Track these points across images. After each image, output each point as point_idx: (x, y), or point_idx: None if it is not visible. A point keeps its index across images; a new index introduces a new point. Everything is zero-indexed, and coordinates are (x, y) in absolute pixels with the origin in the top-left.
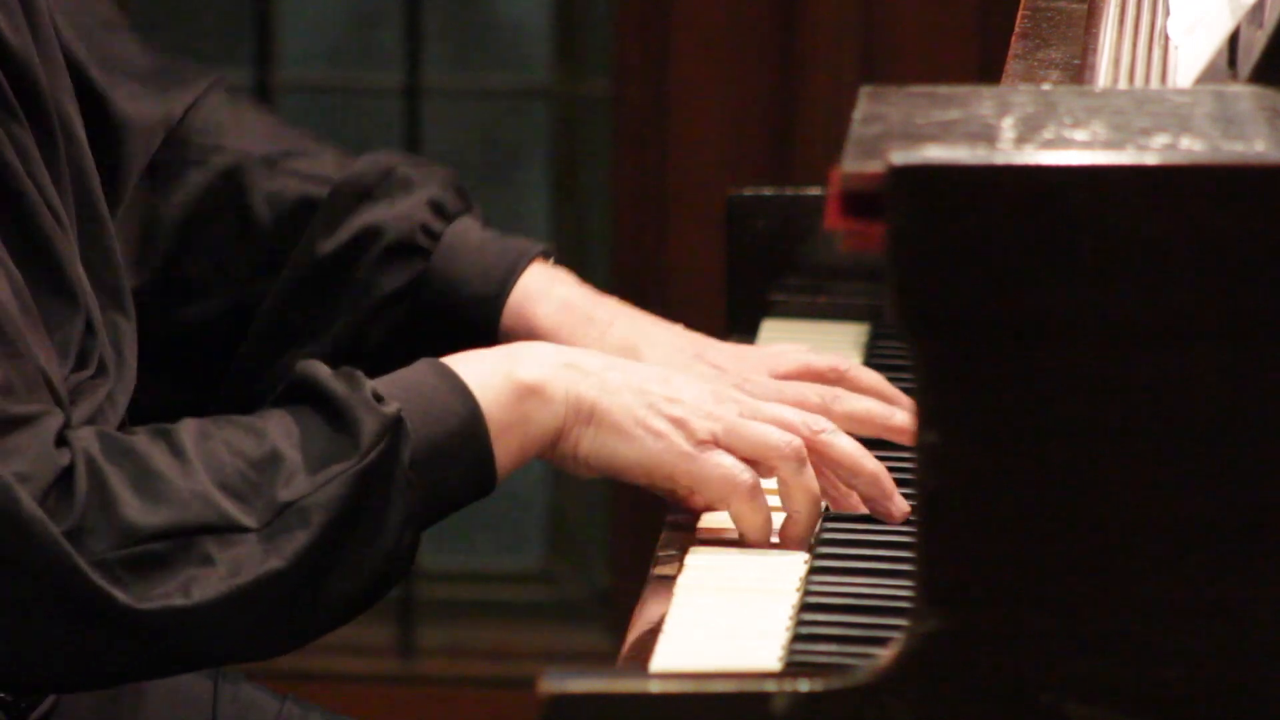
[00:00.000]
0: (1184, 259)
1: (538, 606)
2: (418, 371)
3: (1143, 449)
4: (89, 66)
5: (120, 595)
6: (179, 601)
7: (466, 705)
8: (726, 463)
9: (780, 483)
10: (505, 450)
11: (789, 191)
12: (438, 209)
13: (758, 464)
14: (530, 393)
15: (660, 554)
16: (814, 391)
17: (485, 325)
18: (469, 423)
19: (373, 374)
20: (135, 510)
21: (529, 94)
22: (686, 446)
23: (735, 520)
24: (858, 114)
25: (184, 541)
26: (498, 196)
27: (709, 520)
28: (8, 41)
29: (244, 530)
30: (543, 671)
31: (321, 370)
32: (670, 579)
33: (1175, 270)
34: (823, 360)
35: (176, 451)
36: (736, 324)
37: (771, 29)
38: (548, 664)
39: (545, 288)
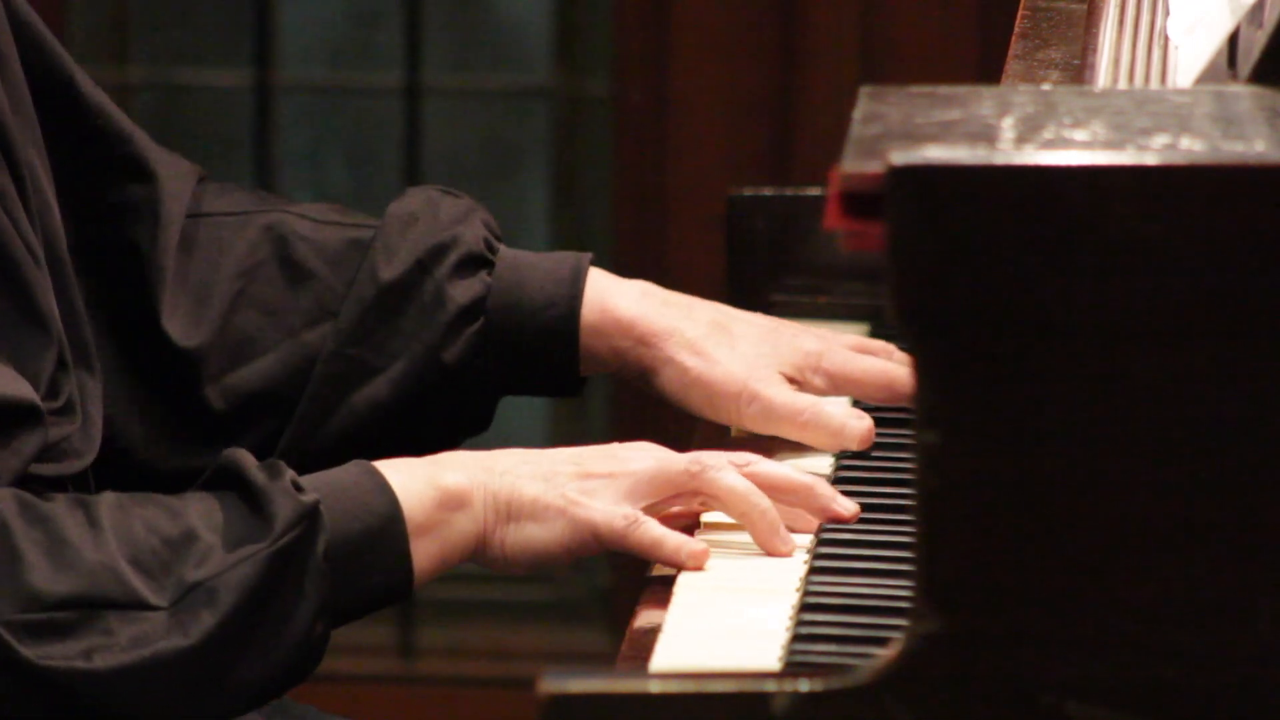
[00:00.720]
0: (1184, 259)
1: (538, 606)
2: (344, 470)
3: (1143, 449)
4: (109, 110)
5: (22, 650)
6: (80, 664)
7: (466, 705)
8: (616, 511)
9: (712, 500)
10: (424, 553)
11: (789, 191)
12: (490, 228)
13: (681, 497)
14: (452, 499)
15: None
16: (893, 366)
17: (564, 327)
18: (388, 521)
19: (456, 401)
20: (41, 576)
21: (529, 94)
22: (588, 514)
23: (636, 553)
24: (858, 114)
25: (87, 613)
26: (498, 197)
27: (709, 520)
28: None
29: (150, 608)
30: (543, 671)
31: (245, 458)
32: (670, 579)
33: (1175, 270)
34: (876, 342)
35: (92, 522)
36: None
37: (771, 29)
38: (548, 664)
39: (615, 282)
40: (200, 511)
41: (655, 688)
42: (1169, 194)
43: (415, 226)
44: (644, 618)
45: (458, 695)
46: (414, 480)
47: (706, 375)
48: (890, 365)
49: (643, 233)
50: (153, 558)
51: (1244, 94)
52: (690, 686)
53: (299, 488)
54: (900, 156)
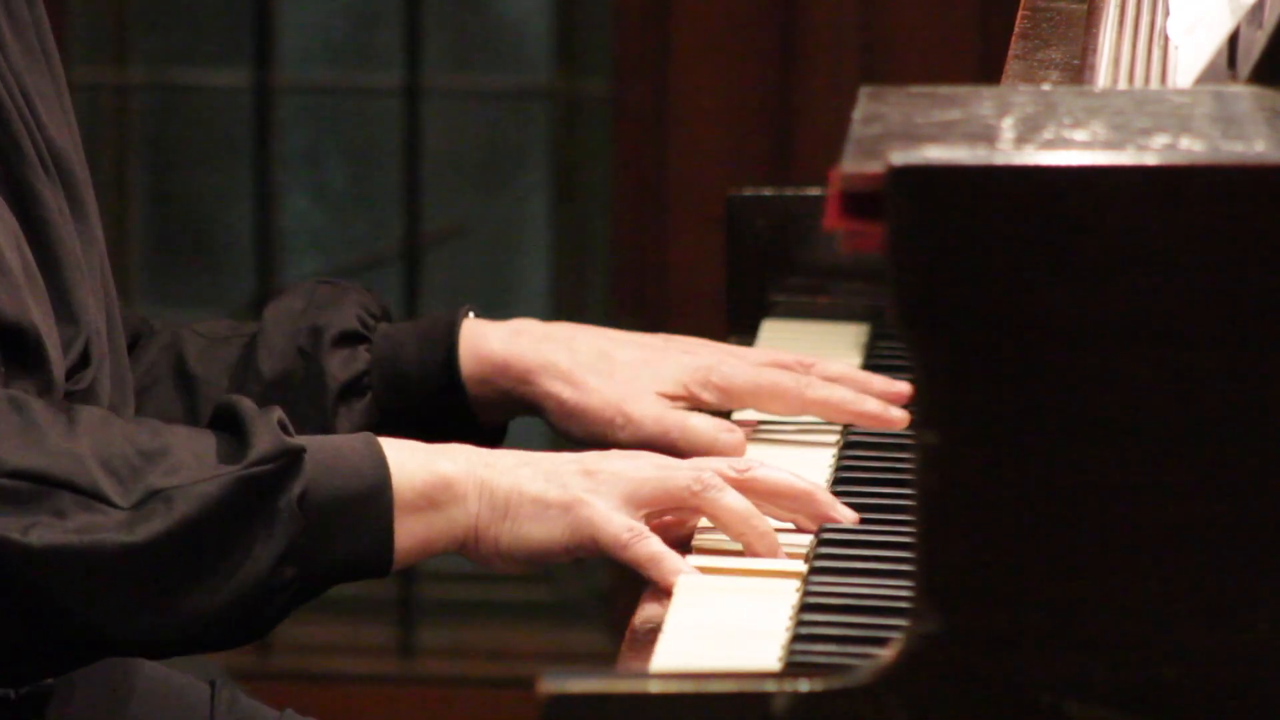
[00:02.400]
0: (1184, 259)
1: (538, 606)
2: (349, 435)
3: (1143, 449)
4: None
5: None
6: (15, 536)
7: (466, 705)
8: (618, 519)
9: (710, 519)
10: (408, 532)
11: (789, 191)
12: (365, 309)
13: (680, 510)
14: (445, 486)
15: None
16: (788, 376)
17: (447, 383)
18: (375, 490)
19: None
20: (5, 448)
21: (529, 94)
22: (590, 513)
23: (633, 567)
24: (858, 114)
25: (44, 489)
26: (498, 197)
27: (707, 524)
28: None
29: (110, 504)
30: (543, 671)
31: (243, 400)
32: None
33: (1175, 270)
34: (789, 356)
35: (70, 420)
36: (736, 324)
37: (771, 29)
38: (548, 664)
39: (490, 327)
40: (184, 435)
41: (655, 688)
42: (1169, 194)
43: (292, 319)
44: (644, 618)
45: (458, 695)
46: (411, 459)
47: (582, 404)
48: (781, 376)
49: (643, 233)
50: (123, 462)
51: (1244, 94)
52: (690, 686)
53: (287, 430)
54: (900, 156)
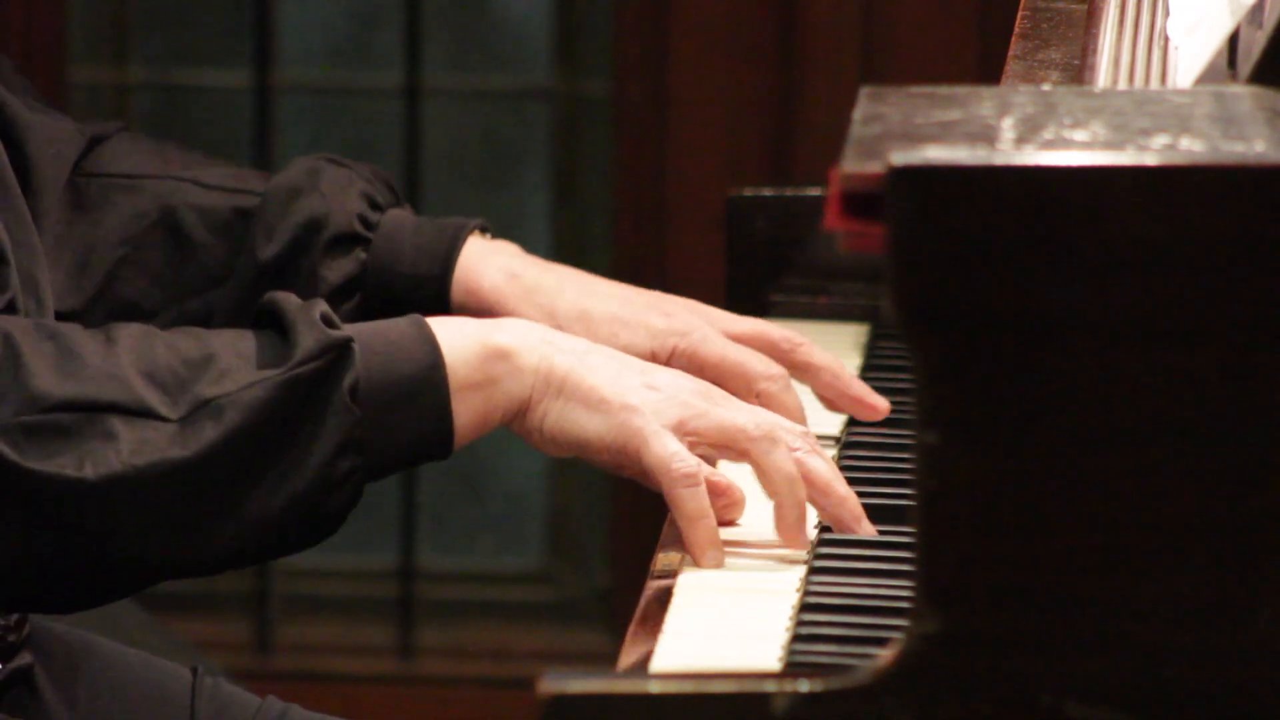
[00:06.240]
0: (1184, 259)
1: (538, 606)
2: (394, 320)
3: (1143, 449)
4: None
5: (11, 454)
6: (71, 472)
7: (466, 705)
8: (673, 446)
9: (754, 467)
10: (467, 408)
11: (789, 191)
12: (370, 200)
13: (728, 449)
14: (501, 356)
15: (660, 554)
16: (757, 360)
17: (436, 306)
18: (429, 370)
19: None
20: (45, 381)
21: (529, 94)
22: (642, 424)
23: (670, 506)
24: (858, 114)
25: (90, 416)
26: (498, 197)
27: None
28: None
29: (159, 418)
30: (543, 671)
31: (287, 296)
32: (670, 579)
33: (1175, 270)
34: (778, 330)
35: (108, 340)
36: None
37: (771, 29)
38: (548, 664)
39: (486, 258)
40: (228, 339)
41: (655, 688)
42: (1169, 194)
43: (295, 201)
44: (644, 618)
45: (458, 695)
46: (463, 336)
47: None
48: (749, 358)
49: (643, 233)
50: (168, 373)
51: (1244, 94)
52: (690, 686)
53: (332, 323)
54: (900, 156)
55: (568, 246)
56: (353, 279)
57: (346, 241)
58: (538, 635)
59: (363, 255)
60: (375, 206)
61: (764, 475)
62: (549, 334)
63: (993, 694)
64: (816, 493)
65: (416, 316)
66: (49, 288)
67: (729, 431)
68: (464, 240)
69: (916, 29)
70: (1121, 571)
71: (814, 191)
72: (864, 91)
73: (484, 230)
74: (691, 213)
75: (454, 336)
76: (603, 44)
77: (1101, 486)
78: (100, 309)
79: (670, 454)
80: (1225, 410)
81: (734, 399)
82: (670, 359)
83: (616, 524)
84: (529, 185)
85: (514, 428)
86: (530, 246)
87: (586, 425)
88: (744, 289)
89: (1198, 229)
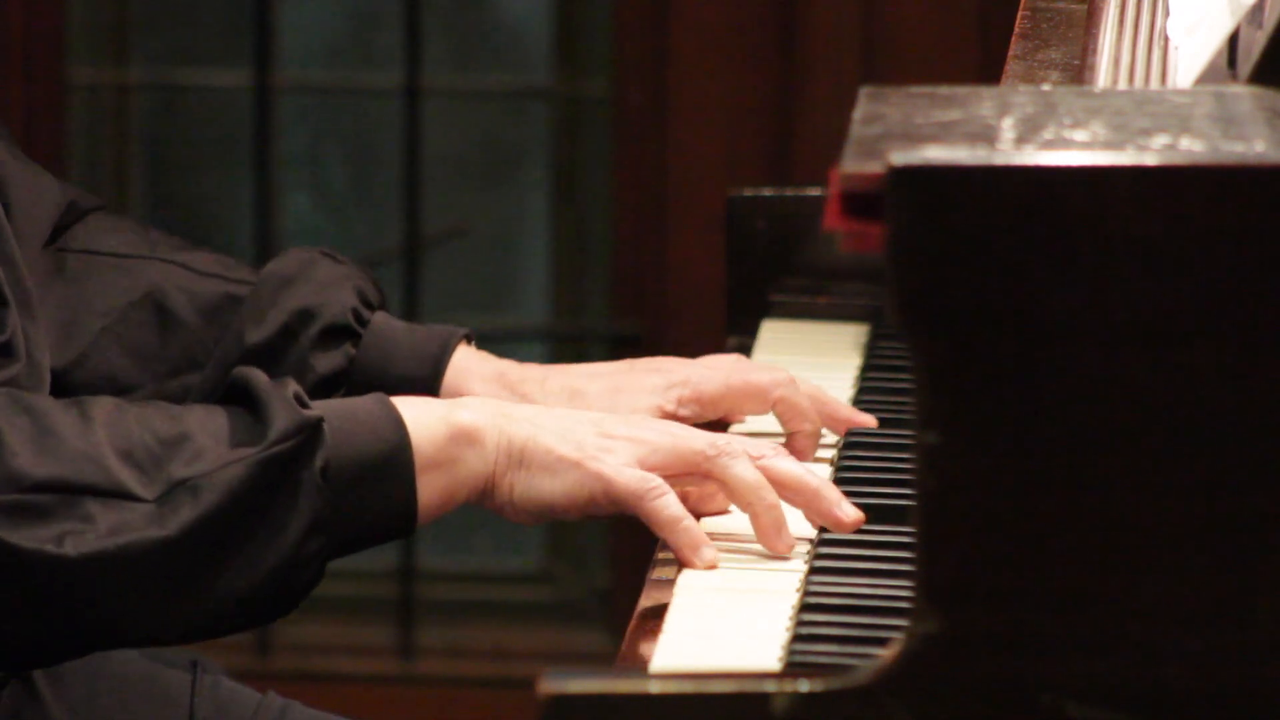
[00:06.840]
0: (1184, 259)
1: (537, 606)
2: (360, 398)
3: (1143, 449)
4: None
5: None
6: (51, 549)
7: (466, 705)
8: (632, 472)
9: (720, 485)
10: (431, 488)
11: (789, 191)
12: (363, 297)
13: (691, 474)
14: (464, 436)
15: (660, 555)
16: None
17: None
18: (396, 450)
19: None
20: (23, 460)
21: (529, 94)
22: (599, 466)
23: (647, 522)
24: (858, 114)
25: (66, 498)
26: (498, 197)
27: (708, 522)
28: None
29: (135, 499)
30: (542, 672)
31: (255, 373)
32: (670, 579)
33: (1175, 270)
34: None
35: (83, 416)
36: (736, 324)
37: (771, 29)
38: (548, 664)
39: (476, 365)
40: (200, 417)
41: (655, 688)
42: (1169, 194)
43: (287, 289)
44: (644, 618)
45: (458, 695)
46: (427, 414)
47: None
48: (754, 374)
49: (643, 233)
50: (144, 453)
51: (1244, 94)
52: (690, 686)
53: (304, 403)
54: (900, 156)
55: (568, 246)
56: (339, 373)
57: (338, 334)
58: (537, 635)
59: (351, 350)
60: (367, 304)
61: (730, 490)
62: (504, 407)
63: (993, 694)
64: (789, 493)
65: (381, 395)
66: (44, 340)
67: (686, 456)
68: (454, 346)
69: (916, 29)
70: (1121, 571)
71: (814, 191)
72: (864, 92)
73: (469, 339)
74: (691, 213)
75: (420, 415)
76: (602, 44)
77: (1101, 486)
78: (76, 376)
79: (630, 477)
80: (1225, 410)
81: (690, 429)
82: (678, 409)
83: (616, 524)
84: (529, 186)
85: (486, 504)
86: (530, 246)
87: (553, 488)
88: (744, 289)
89: (1198, 229)
